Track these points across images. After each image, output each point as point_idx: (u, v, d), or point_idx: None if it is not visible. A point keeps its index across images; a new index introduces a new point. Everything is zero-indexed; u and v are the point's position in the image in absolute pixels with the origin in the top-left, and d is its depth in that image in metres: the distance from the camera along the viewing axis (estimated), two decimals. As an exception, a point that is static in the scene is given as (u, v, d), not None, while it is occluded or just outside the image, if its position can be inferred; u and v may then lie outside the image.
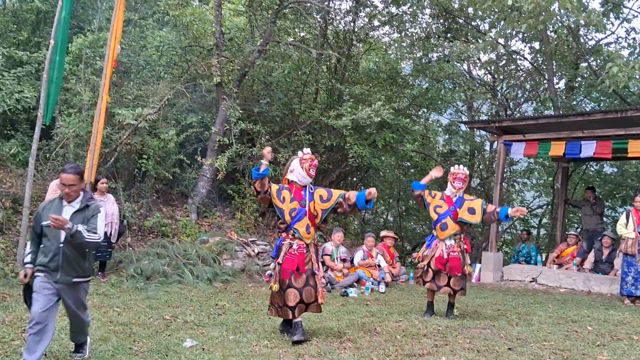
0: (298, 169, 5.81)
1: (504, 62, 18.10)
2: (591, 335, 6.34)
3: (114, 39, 9.38)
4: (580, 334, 6.36)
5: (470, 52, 13.14)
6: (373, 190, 5.80)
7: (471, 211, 7.08)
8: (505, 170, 16.15)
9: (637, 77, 9.62)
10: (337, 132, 12.68)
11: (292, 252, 5.69)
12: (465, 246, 7.23)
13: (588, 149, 10.36)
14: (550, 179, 17.56)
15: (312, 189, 5.91)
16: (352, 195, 5.87)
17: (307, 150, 5.93)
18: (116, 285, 8.33)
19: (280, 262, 5.68)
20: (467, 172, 7.36)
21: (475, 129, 16.41)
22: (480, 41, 14.12)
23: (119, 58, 10.42)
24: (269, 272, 6.12)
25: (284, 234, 5.81)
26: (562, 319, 7.30)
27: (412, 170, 18.97)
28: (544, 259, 12.66)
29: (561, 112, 14.39)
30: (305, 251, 5.75)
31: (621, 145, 10.07)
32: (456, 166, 7.37)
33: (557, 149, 10.75)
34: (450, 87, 17.53)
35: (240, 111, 11.52)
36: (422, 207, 7.59)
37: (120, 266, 9.27)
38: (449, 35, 15.97)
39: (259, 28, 13.00)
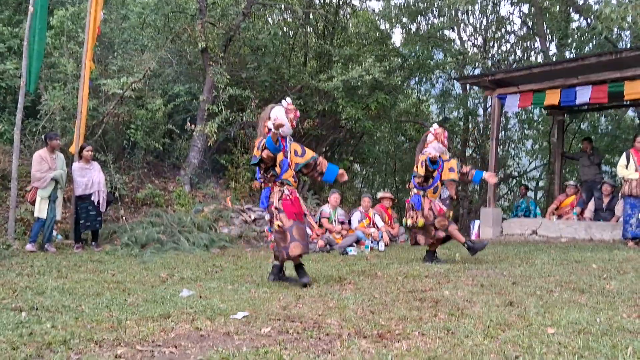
0: (283, 118, 5.57)
1: (493, 26, 17.99)
2: (597, 271, 6.20)
3: (95, 4, 9.16)
4: (586, 270, 6.23)
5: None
6: (345, 174, 5.80)
7: (451, 170, 7.27)
8: (500, 137, 16.06)
9: (630, 18, 9.41)
10: (329, 96, 12.46)
11: (287, 197, 5.53)
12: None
13: (583, 94, 10.17)
14: (546, 141, 17.43)
15: (290, 141, 5.72)
16: (324, 164, 5.73)
17: (289, 99, 5.71)
18: (110, 253, 8.17)
19: (279, 206, 5.47)
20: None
21: (469, 86, 16.22)
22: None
23: (103, 29, 10.19)
24: (267, 227, 5.85)
25: (270, 185, 5.61)
26: (566, 260, 7.16)
27: (406, 144, 18.83)
28: (543, 213, 12.53)
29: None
30: (298, 195, 5.65)
31: (617, 89, 9.89)
32: (434, 125, 7.34)
33: (552, 97, 10.59)
34: (440, 56, 17.40)
35: (228, 77, 11.27)
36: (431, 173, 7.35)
37: (114, 236, 9.13)
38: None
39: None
